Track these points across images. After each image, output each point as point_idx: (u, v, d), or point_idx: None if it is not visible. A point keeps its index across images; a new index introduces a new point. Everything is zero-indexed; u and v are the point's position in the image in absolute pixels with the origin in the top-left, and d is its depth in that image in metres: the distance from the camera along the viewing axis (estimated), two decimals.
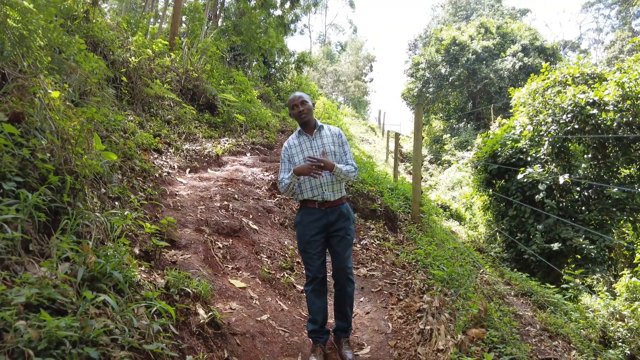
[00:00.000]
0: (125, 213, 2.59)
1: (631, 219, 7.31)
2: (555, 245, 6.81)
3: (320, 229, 2.74)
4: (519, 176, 7.50)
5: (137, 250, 2.54)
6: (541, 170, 7.42)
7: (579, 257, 6.80)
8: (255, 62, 16.29)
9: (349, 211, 2.85)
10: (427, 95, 22.36)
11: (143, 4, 14.95)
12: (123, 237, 2.25)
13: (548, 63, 9.80)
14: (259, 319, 3.02)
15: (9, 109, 2.02)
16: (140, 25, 9.95)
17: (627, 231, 8.17)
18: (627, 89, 7.18)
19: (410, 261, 4.64)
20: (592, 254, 6.59)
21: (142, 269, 2.37)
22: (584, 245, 6.67)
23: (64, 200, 2.04)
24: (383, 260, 4.76)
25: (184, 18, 13.67)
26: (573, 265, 6.85)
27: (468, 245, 7.31)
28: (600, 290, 6.13)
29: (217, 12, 15.44)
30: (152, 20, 13.55)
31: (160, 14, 14.76)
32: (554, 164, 7.72)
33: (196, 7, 13.11)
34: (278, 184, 2.86)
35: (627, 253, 8.44)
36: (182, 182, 5.24)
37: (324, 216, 2.73)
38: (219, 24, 15.59)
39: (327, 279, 2.92)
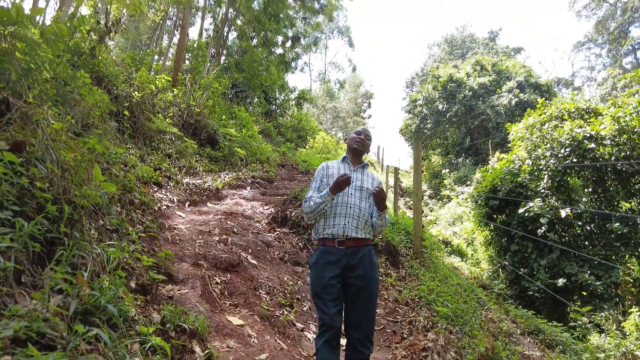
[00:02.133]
0: (123, 245, 2.53)
1: (636, 254, 7.20)
2: (560, 281, 6.67)
3: (339, 272, 2.41)
4: (520, 210, 7.45)
5: (133, 284, 2.46)
6: (542, 204, 7.39)
7: (584, 293, 6.64)
8: (256, 99, 16.62)
9: (372, 256, 2.52)
10: (425, 131, 22.66)
11: (148, 42, 15.43)
12: (120, 269, 2.18)
13: (544, 99, 9.99)
14: (257, 358, 2.89)
15: (11, 137, 2.01)
16: (144, 61, 10.22)
17: (632, 267, 8.03)
18: (623, 123, 7.28)
19: (413, 298, 4.51)
20: (599, 291, 6.44)
21: (138, 303, 2.28)
22: (589, 282, 6.53)
23: (60, 231, 1.99)
24: (385, 297, 4.63)
25: (187, 55, 14.07)
26: (579, 303, 6.68)
27: (471, 281, 7.16)
28: (609, 329, 5.94)
29: (220, 50, 15.92)
30: (155, 57, 13.94)
31: (164, 52, 15.20)
32: (554, 198, 7.70)
33: (199, 45, 13.52)
34: (303, 202, 2.61)
35: (634, 290, 8.25)
36: (181, 216, 5.19)
37: (344, 257, 2.43)
38: (222, 61, 16.04)
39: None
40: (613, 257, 7.23)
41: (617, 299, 6.99)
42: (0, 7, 2.47)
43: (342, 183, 2.42)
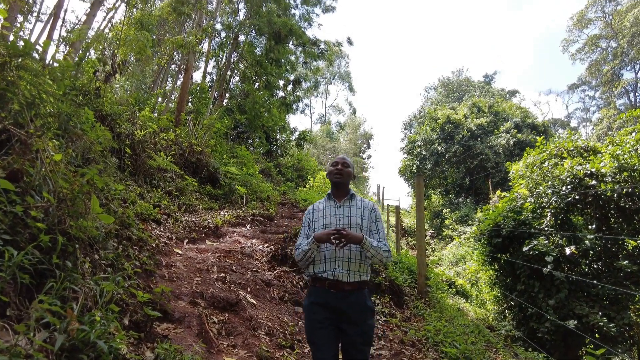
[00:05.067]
0: (118, 279, 2.43)
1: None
2: (571, 323, 6.41)
3: (330, 314, 2.28)
4: (525, 248, 7.31)
5: (126, 321, 2.33)
6: (546, 242, 7.26)
7: (597, 335, 6.37)
8: (257, 139, 16.84)
9: (367, 300, 2.35)
10: (425, 171, 22.79)
11: (152, 85, 15.85)
12: (113, 304, 2.07)
13: (542, 137, 10.10)
14: None
15: (9, 165, 1.98)
16: (147, 102, 10.43)
17: None
18: (622, 161, 7.28)
19: (420, 338, 4.31)
20: (612, 333, 6.17)
21: (131, 340, 2.15)
22: (601, 323, 6.28)
23: (52, 262, 1.91)
24: (391, 338, 4.43)
25: (190, 98, 14.39)
26: (591, 346, 6.39)
27: (477, 322, 6.90)
28: None
29: (223, 93, 16.31)
30: (159, 99, 14.26)
31: (168, 94, 15.57)
32: (558, 236, 7.57)
33: (203, 88, 13.86)
34: (294, 250, 2.50)
35: None
36: (179, 253, 5.07)
37: (334, 300, 2.28)
38: (224, 103, 16.39)
39: None
40: (623, 297, 6.99)
41: (631, 342, 6.70)
42: (11, 41, 2.52)
43: (324, 238, 2.28)
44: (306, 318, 2.37)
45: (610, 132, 24.94)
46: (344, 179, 2.53)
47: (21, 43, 2.34)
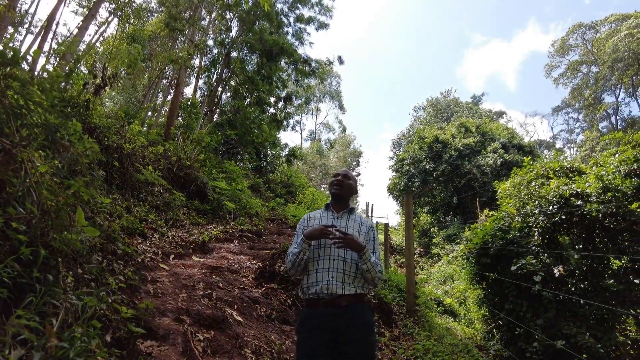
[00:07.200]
0: (101, 294, 2.36)
1: (632, 311, 7.02)
2: (559, 343, 6.40)
3: (327, 340, 2.10)
4: (513, 267, 7.33)
5: (108, 338, 2.25)
6: (534, 261, 7.30)
7: (585, 355, 6.36)
8: (247, 155, 16.80)
9: (365, 314, 2.21)
10: (413, 189, 22.93)
11: (143, 99, 15.80)
12: (95, 320, 2.00)
13: (529, 157, 10.27)
14: None
15: None
16: (137, 116, 10.38)
17: (629, 327, 7.79)
18: (607, 182, 7.43)
19: (409, 357, 4.26)
20: (600, 353, 6.17)
21: (112, 358, 2.07)
22: (589, 344, 6.28)
23: (33, 276, 1.84)
24: (379, 357, 4.36)
25: (180, 112, 14.37)
26: None
27: (466, 342, 6.85)
28: None
29: (213, 108, 16.32)
30: (150, 113, 14.20)
31: (158, 108, 15.52)
32: (545, 255, 7.62)
33: (193, 103, 13.86)
34: (285, 257, 2.40)
35: (633, 352, 7.94)
36: (164, 269, 4.97)
37: (331, 320, 2.13)
38: (215, 118, 16.38)
39: None
40: (609, 317, 7.01)
41: None
42: None
43: (316, 232, 2.22)
44: (299, 343, 2.19)
45: (593, 154, 25.51)
46: (343, 191, 2.48)
47: (10, 52, 2.31)
